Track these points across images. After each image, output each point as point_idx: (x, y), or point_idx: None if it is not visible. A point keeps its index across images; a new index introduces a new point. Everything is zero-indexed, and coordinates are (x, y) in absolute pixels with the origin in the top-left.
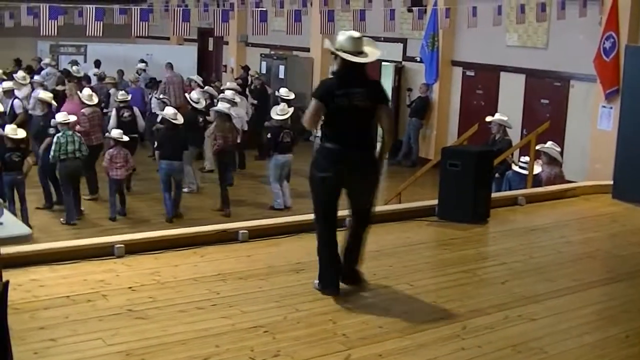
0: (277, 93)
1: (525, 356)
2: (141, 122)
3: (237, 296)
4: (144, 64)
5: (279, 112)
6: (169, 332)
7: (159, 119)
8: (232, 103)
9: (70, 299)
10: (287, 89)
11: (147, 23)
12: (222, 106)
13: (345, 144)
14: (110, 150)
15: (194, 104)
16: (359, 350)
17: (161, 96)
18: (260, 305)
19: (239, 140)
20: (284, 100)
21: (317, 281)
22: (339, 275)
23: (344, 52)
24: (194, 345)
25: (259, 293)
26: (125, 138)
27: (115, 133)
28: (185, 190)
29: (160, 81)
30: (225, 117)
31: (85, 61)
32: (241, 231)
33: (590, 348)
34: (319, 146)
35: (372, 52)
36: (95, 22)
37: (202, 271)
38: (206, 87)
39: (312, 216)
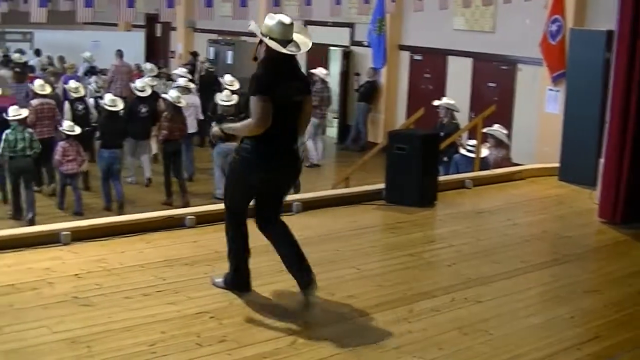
0: (221, 79)
1: (471, 338)
2: (93, 114)
3: (183, 282)
4: (89, 53)
5: (224, 99)
6: (114, 319)
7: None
8: (187, 90)
9: (15, 287)
10: (231, 77)
11: (92, 9)
12: (172, 95)
13: (282, 144)
14: (62, 143)
15: (138, 92)
16: (305, 333)
17: (93, 84)
18: (206, 291)
19: (192, 131)
20: (228, 89)
21: (224, 280)
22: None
23: (272, 39)
24: (139, 331)
25: (206, 279)
26: (77, 130)
27: (66, 125)
28: (128, 180)
29: (100, 71)
30: (174, 106)
31: (31, 48)
32: (188, 217)
33: (536, 329)
34: (247, 146)
35: (303, 42)
36: (40, 9)
37: (148, 257)
38: (138, 82)
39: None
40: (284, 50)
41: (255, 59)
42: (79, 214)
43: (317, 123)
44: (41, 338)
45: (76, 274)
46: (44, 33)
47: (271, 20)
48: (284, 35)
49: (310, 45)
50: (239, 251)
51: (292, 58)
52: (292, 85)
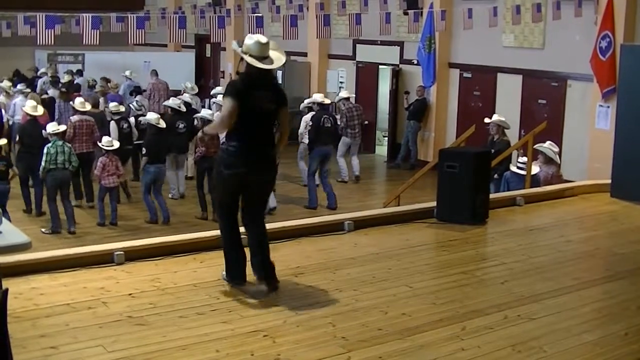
0: None
1: (524, 356)
2: (135, 132)
3: (236, 301)
4: (128, 72)
5: None
6: (169, 338)
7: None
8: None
9: (70, 307)
10: None
11: (143, 30)
12: (205, 113)
13: (252, 146)
14: (102, 158)
15: (175, 107)
16: (358, 352)
17: (134, 103)
18: (260, 309)
19: None
20: None
21: (225, 273)
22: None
23: (250, 55)
24: (194, 350)
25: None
26: (116, 145)
27: (105, 141)
28: (170, 195)
29: (144, 90)
30: (208, 123)
31: (83, 69)
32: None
33: (589, 346)
34: (224, 147)
35: (277, 58)
36: (92, 31)
37: (201, 277)
38: (171, 99)
39: (310, 220)
40: (260, 65)
41: (237, 72)
42: (114, 224)
43: (347, 142)
44: (97, 357)
45: (130, 294)
46: (95, 54)
47: (250, 40)
48: (261, 52)
49: (284, 60)
50: (226, 242)
51: (267, 72)
52: (263, 95)
